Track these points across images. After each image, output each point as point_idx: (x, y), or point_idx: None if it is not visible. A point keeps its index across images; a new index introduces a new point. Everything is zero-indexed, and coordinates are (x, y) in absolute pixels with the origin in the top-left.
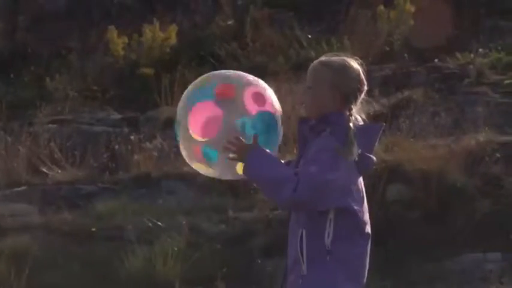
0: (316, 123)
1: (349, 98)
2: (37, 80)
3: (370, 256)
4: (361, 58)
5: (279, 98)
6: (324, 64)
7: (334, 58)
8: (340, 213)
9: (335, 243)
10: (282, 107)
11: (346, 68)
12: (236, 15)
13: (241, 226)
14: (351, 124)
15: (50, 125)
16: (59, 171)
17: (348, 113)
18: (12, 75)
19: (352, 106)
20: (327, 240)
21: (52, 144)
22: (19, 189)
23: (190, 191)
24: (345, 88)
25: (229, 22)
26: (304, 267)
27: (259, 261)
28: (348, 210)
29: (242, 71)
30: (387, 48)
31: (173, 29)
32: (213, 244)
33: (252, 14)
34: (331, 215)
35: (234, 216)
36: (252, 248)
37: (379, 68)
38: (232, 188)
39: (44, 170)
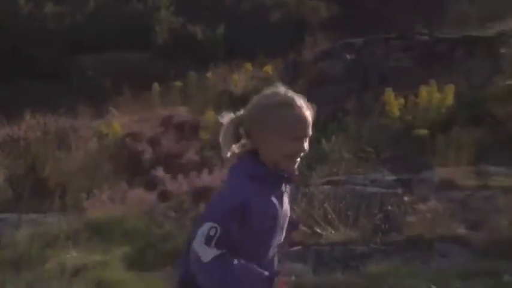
0: None
1: None
2: (314, 142)
3: None
4: None
5: None
6: None
7: None
8: None
9: None
10: None
11: None
12: None
13: None
14: None
15: (325, 186)
16: (333, 231)
17: None
18: None
19: None
20: None
21: (326, 205)
22: (294, 248)
23: (465, 254)
24: None
25: (509, 82)
26: None
27: None
28: None
29: None
30: None
31: (450, 90)
32: None
33: None
34: None
35: (509, 281)
36: None
37: None
38: (509, 251)
39: (318, 230)
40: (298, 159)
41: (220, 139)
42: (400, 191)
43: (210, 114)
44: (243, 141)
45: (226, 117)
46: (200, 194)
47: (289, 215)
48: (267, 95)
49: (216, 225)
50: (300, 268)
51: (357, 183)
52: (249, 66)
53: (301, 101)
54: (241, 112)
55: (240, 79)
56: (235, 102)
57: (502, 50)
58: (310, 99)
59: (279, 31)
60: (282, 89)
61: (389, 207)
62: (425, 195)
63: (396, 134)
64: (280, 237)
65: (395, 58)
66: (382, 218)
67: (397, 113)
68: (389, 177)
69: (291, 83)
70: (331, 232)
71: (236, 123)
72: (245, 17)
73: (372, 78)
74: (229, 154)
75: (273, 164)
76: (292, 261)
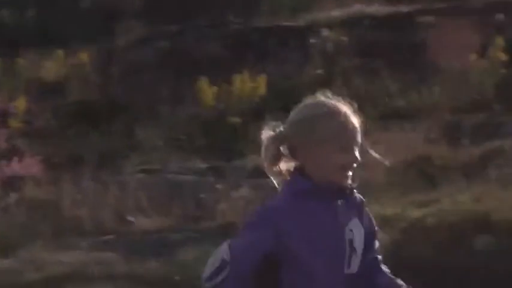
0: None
1: None
2: (127, 130)
3: None
4: (451, 107)
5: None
6: None
7: None
8: None
9: None
10: (370, 157)
11: None
12: (326, 64)
13: None
14: None
15: (138, 175)
16: (146, 219)
17: None
18: (103, 125)
19: None
20: None
21: (139, 193)
22: (106, 238)
23: None
24: None
25: (319, 71)
26: None
27: None
28: None
29: None
30: (478, 97)
31: (262, 79)
32: None
33: (341, 62)
34: None
35: None
36: None
37: (469, 117)
38: None
39: (130, 218)
40: (351, 172)
41: (263, 158)
42: (212, 178)
43: (20, 102)
44: (286, 159)
45: (266, 133)
46: (10, 183)
47: (359, 245)
48: (308, 106)
49: (228, 260)
50: (110, 257)
51: (170, 171)
52: (61, 52)
53: (345, 108)
54: (281, 128)
55: (52, 66)
56: (47, 89)
57: (312, 40)
58: (124, 87)
59: (91, 17)
60: (323, 97)
61: (202, 195)
62: (238, 183)
63: (209, 122)
64: (346, 273)
65: (209, 46)
66: (194, 205)
67: (210, 101)
68: (202, 165)
69: (105, 71)
70: (144, 220)
71: (279, 141)
72: (56, 1)
73: (186, 66)
74: (276, 176)
75: (323, 179)
76: (102, 251)
